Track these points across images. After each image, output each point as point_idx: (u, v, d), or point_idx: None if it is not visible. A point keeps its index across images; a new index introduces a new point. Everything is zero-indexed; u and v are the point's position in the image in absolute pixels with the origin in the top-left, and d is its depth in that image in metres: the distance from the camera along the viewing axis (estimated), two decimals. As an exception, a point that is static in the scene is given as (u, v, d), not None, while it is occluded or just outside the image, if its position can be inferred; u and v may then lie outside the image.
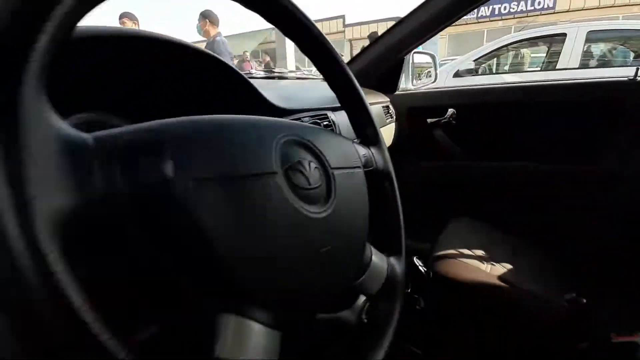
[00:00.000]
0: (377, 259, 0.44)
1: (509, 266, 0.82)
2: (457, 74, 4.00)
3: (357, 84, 0.47)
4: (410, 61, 1.35)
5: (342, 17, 16.39)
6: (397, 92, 1.35)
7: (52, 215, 0.18)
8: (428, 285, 0.81)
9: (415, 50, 1.27)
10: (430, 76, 1.55)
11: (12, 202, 0.16)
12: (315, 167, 0.34)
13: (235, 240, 0.26)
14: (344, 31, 16.11)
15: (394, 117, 1.31)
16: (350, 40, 15.72)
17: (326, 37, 0.42)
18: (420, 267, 0.81)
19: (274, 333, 0.27)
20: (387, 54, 1.26)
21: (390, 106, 1.31)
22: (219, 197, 0.26)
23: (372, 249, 0.44)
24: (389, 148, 1.16)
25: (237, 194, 0.27)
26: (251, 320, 0.26)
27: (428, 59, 1.52)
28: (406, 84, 1.41)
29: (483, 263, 0.82)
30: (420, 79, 1.51)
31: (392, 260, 0.47)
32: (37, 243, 0.16)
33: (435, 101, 1.34)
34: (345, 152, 0.41)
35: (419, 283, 0.81)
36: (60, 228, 0.18)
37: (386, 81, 1.32)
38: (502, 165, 1.25)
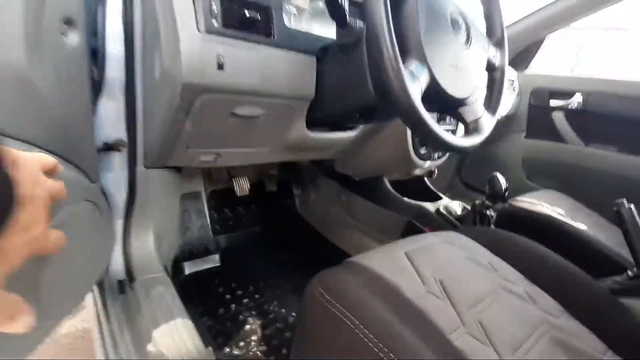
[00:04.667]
0: None
1: (582, 225, 0.90)
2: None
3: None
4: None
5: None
6: (526, 72, 1.43)
7: None
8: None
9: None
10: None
11: None
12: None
13: None
14: None
15: (517, 91, 1.39)
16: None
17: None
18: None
19: None
20: (526, 33, 1.35)
21: (516, 81, 1.38)
22: None
23: None
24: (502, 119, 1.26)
25: None
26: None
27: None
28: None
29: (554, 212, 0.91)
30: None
31: None
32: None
33: (563, 85, 1.31)
34: None
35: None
36: None
37: (520, 59, 1.42)
38: (608, 155, 1.24)
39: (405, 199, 1.03)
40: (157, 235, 0.76)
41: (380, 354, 0.39)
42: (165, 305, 0.64)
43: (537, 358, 0.45)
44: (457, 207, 1.00)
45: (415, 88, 0.47)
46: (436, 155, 0.98)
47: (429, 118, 0.48)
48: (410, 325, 0.43)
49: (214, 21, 0.52)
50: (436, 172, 1.06)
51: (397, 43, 0.45)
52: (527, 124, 1.45)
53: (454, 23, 0.55)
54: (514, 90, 1.38)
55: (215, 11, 0.52)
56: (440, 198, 1.06)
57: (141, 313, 0.61)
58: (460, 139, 0.55)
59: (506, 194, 0.87)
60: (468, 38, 0.56)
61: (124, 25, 0.58)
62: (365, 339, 0.41)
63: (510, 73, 1.38)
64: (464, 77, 0.56)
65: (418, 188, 1.12)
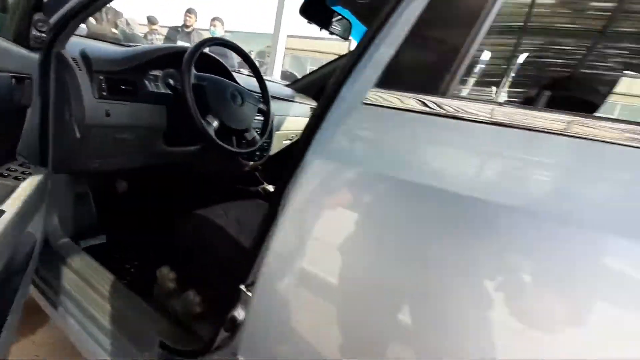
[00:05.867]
0: None
1: None
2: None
3: (265, 82, 1.31)
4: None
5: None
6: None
7: None
8: None
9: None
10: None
11: None
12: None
13: None
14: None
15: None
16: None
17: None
18: None
19: None
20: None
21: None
22: None
23: None
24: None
25: None
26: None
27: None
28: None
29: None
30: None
31: None
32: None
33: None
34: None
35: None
36: None
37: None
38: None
39: (240, 185, 1.62)
40: (60, 219, 1.16)
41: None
42: (77, 255, 1.07)
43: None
44: (271, 188, 1.64)
45: (210, 129, 1.06)
46: (255, 157, 1.60)
47: (218, 141, 1.07)
48: (211, 229, 1.01)
49: (103, 92, 1.00)
50: (260, 167, 1.68)
51: (201, 105, 1.03)
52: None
53: (233, 96, 1.16)
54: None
55: (104, 86, 1.00)
56: (262, 183, 1.68)
57: (66, 261, 1.04)
58: (240, 149, 1.17)
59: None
60: (242, 102, 1.19)
61: (41, 92, 0.98)
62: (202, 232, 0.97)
63: (312, 102, 2.12)
64: (242, 120, 1.18)
65: (250, 177, 1.73)
